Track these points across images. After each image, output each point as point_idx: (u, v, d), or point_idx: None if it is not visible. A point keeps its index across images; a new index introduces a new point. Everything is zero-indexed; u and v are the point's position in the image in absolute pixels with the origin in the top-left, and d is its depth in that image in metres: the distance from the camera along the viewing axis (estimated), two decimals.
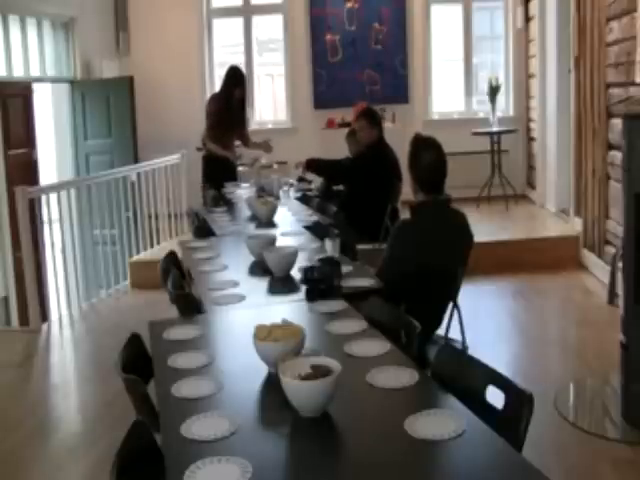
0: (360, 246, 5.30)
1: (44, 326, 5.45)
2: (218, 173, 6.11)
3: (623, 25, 4.92)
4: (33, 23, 7.33)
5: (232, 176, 6.31)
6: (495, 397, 1.90)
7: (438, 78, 8.75)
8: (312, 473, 1.64)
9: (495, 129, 7.86)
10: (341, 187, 5.82)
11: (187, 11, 8.62)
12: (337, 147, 6.48)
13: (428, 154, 3.16)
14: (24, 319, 5.95)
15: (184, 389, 2.03)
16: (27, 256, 5.36)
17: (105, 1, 8.45)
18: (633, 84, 4.71)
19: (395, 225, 3.40)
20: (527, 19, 8.17)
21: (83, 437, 3.62)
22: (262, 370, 2.12)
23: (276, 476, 1.64)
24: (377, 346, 2.26)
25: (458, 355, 2.30)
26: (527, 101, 8.42)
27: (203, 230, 4.60)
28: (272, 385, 1.99)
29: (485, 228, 6.29)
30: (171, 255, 3.69)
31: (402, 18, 8.46)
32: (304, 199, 5.48)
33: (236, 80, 6.02)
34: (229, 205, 5.35)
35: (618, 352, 3.38)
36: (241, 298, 2.92)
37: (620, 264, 3.70)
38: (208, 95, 8.86)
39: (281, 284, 3.14)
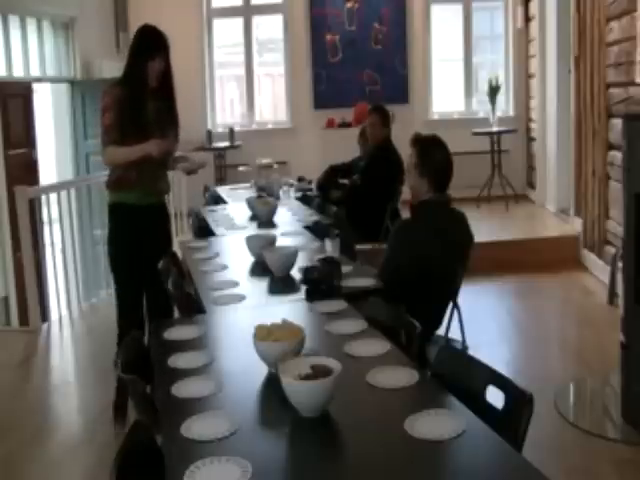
0: (360, 246, 5.34)
1: (44, 326, 5.45)
2: (128, 224, 3.63)
3: (623, 25, 4.92)
4: (33, 23, 7.32)
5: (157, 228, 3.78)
6: (495, 397, 1.90)
7: (438, 78, 8.75)
8: (312, 473, 1.64)
9: (495, 129, 7.86)
10: (346, 181, 5.81)
11: (187, 11, 8.62)
12: (337, 147, 6.49)
13: (440, 152, 3.17)
14: (24, 319, 5.94)
15: (184, 389, 2.02)
16: (27, 256, 5.35)
17: (105, 1, 8.45)
18: (633, 84, 4.71)
19: (395, 225, 3.40)
20: (527, 19, 8.17)
21: (83, 437, 3.62)
22: (262, 370, 2.12)
23: (276, 476, 1.64)
24: (377, 346, 2.26)
25: (458, 355, 2.30)
26: (527, 101, 8.42)
27: (203, 230, 4.60)
28: (272, 385, 1.99)
29: (485, 228, 6.29)
30: (171, 255, 3.69)
31: (402, 18, 8.46)
32: (304, 199, 5.48)
33: (151, 44, 3.48)
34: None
35: (618, 352, 3.38)
36: (241, 298, 2.92)
37: (620, 264, 3.70)
38: (208, 95, 8.89)
39: (281, 284, 3.14)
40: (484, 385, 1.95)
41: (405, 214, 3.54)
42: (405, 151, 3.35)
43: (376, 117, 5.47)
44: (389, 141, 5.43)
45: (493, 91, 7.89)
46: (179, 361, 2.24)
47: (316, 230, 4.12)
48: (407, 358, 2.18)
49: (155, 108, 3.57)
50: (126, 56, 3.54)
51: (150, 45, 3.48)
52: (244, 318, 2.66)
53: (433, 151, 3.17)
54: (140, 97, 3.49)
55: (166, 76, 3.56)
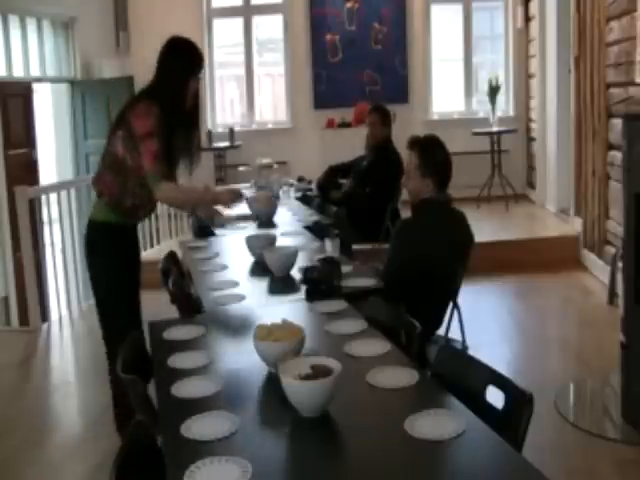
0: (360, 246, 5.33)
1: (44, 326, 5.45)
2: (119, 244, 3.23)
3: (623, 25, 4.92)
4: (33, 23, 7.33)
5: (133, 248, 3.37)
6: (495, 397, 1.90)
7: (438, 78, 8.75)
8: (312, 473, 1.64)
9: (495, 129, 7.86)
10: (345, 181, 5.81)
11: (187, 11, 8.62)
12: (337, 147, 6.49)
13: (440, 150, 3.21)
14: (24, 319, 5.95)
15: (184, 389, 2.02)
16: (27, 256, 5.36)
17: (105, 1, 8.45)
18: (633, 84, 4.71)
19: (396, 225, 3.41)
20: (527, 19, 8.17)
21: (83, 437, 3.62)
22: (262, 370, 2.12)
23: (276, 476, 1.64)
24: (377, 346, 2.26)
25: (458, 355, 2.30)
26: (527, 101, 8.42)
27: (203, 230, 4.59)
28: (272, 385, 1.99)
29: (485, 228, 6.28)
30: (171, 255, 3.69)
31: (402, 18, 8.46)
32: (304, 199, 5.48)
33: (194, 62, 3.17)
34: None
35: (618, 352, 3.38)
36: (241, 298, 2.92)
37: (620, 264, 3.70)
38: (208, 95, 8.88)
39: (281, 284, 3.14)
40: (484, 385, 1.95)
41: (405, 214, 3.53)
42: (405, 151, 3.34)
43: (376, 116, 5.48)
44: (389, 141, 5.45)
45: (493, 91, 7.90)
46: (179, 361, 2.24)
47: (316, 230, 4.12)
48: (407, 358, 2.18)
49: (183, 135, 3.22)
50: (160, 69, 3.11)
51: (195, 62, 3.14)
52: (244, 318, 2.66)
53: (434, 150, 3.20)
54: (181, 123, 3.14)
55: (197, 99, 3.22)
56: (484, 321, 4.78)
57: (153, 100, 3.03)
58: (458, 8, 8.64)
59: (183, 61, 3.13)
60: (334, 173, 5.93)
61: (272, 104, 9.26)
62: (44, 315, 5.83)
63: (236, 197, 3.26)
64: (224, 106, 9.22)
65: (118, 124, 3.07)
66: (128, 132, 3.01)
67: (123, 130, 3.03)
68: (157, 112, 3.00)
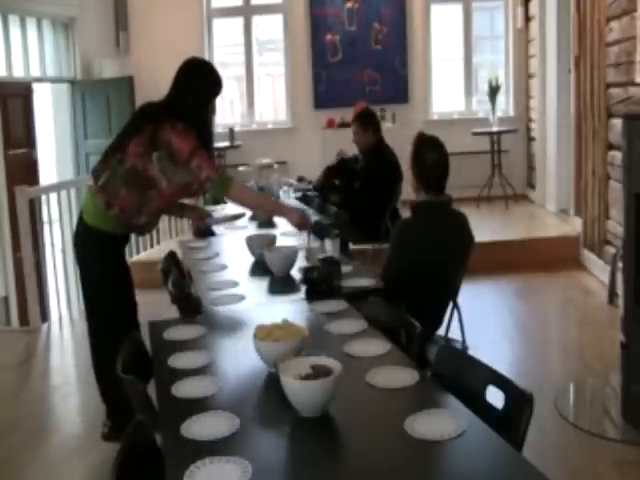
0: (360, 246, 5.32)
1: (44, 326, 5.45)
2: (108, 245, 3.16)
3: (623, 25, 4.92)
4: (33, 23, 7.33)
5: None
6: (495, 397, 1.90)
7: (438, 78, 8.75)
8: (312, 473, 1.64)
9: (495, 129, 7.86)
10: (337, 181, 5.79)
11: (187, 11, 8.62)
12: (337, 147, 6.45)
13: (431, 153, 3.15)
14: (24, 319, 5.95)
15: (184, 389, 2.03)
16: (27, 256, 5.35)
17: (105, 1, 8.45)
18: (633, 84, 4.71)
19: (396, 225, 3.40)
20: (527, 19, 8.17)
21: (83, 438, 3.61)
22: (262, 370, 2.12)
23: (276, 476, 1.64)
24: (377, 346, 2.26)
25: (458, 355, 2.30)
26: (527, 101, 8.42)
27: (203, 230, 4.59)
28: (272, 385, 1.99)
29: (485, 228, 6.28)
30: (171, 255, 3.69)
31: (402, 18, 8.47)
32: (304, 199, 5.48)
33: (217, 86, 3.17)
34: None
35: (618, 352, 3.38)
36: (241, 298, 2.92)
37: (620, 264, 3.70)
38: None
39: (281, 284, 3.14)
40: (484, 385, 1.95)
41: (405, 214, 3.53)
42: (405, 152, 3.34)
43: (355, 126, 5.40)
44: (381, 144, 5.37)
45: (493, 91, 7.90)
46: (179, 361, 2.24)
47: (316, 230, 4.12)
48: (407, 358, 2.18)
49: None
50: (181, 91, 3.05)
51: (217, 86, 3.14)
52: (244, 318, 2.66)
53: (424, 152, 3.15)
54: (204, 139, 3.08)
55: (213, 114, 3.22)
56: (484, 321, 4.78)
57: (175, 118, 2.96)
58: (458, 8, 8.64)
59: (207, 85, 3.11)
60: (331, 174, 5.91)
61: (272, 104, 9.26)
62: (44, 315, 5.83)
63: (305, 225, 3.25)
64: (224, 106, 9.20)
65: (151, 144, 2.95)
66: (169, 154, 2.93)
67: (161, 151, 2.93)
68: (190, 130, 2.95)
